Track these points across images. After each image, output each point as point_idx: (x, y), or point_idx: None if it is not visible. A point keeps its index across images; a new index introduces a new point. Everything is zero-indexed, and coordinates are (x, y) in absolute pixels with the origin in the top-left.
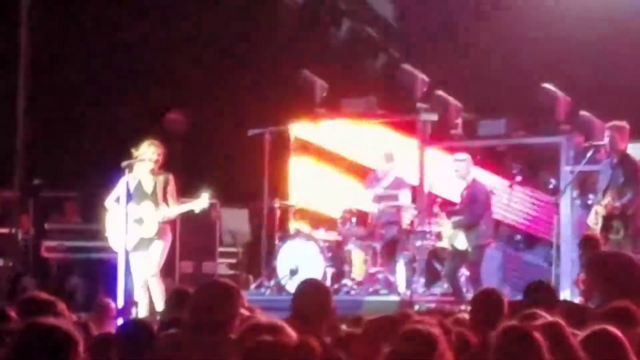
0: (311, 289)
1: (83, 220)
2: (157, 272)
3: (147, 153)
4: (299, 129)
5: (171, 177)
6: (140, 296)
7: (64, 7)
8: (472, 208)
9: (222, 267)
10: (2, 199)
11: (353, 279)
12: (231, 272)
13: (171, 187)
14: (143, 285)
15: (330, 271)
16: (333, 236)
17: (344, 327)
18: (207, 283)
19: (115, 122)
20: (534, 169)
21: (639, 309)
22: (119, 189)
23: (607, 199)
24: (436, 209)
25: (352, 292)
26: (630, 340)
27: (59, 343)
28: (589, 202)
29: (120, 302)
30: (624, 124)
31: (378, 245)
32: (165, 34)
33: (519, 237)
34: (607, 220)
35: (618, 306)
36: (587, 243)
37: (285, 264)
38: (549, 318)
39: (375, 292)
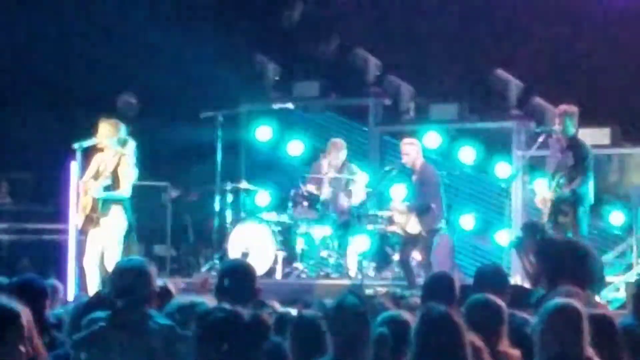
0: (235, 270)
1: (35, 202)
2: (112, 253)
3: (99, 134)
4: (251, 111)
5: (124, 158)
6: (93, 276)
7: None
8: (424, 192)
9: (173, 250)
10: None
11: (304, 262)
12: (183, 254)
13: (123, 167)
14: (98, 265)
15: (281, 254)
16: (285, 219)
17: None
18: (120, 263)
19: (68, 104)
20: (486, 153)
21: (585, 294)
22: (92, 168)
23: (555, 183)
24: (392, 194)
25: (303, 276)
26: None
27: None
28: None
29: (71, 284)
30: (574, 108)
31: (329, 229)
32: (114, 17)
33: (470, 221)
34: (557, 203)
35: (566, 290)
36: (531, 229)
37: (237, 247)
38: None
39: (326, 276)
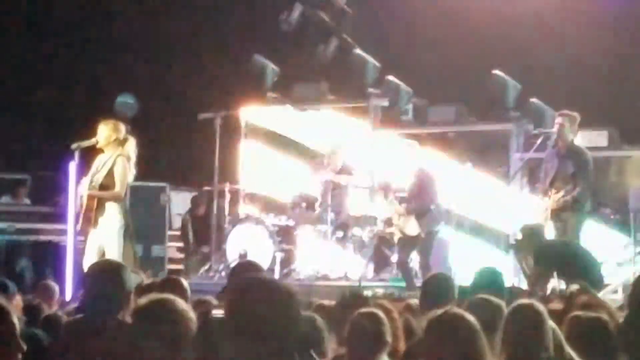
0: (244, 270)
1: (33, 203)
2: (111, 252)
3: (98, 134)
4: (249, 113)
5: (120, 159)
6: None
7: None
8: (422, 194)
9: (171, 251)
10: None
11: (302, 264)
12: (181, 255)
13: (118, 169)
14: None
15: (279, 255)
16: (283, 220)
17: None
18: (92, 265)
19: (66, 105)
20: (484, 155)
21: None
22: (92, 168)
23: (555, 190)
24: (390, 196)
25: (301, 277)
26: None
27: None
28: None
29: (69, 284)
30: (574, 113)
31: (328, 230)
32: (116, 18)
33: (468, 223)
34: (556, 210)
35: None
36: (528, 232)
37: (235, 248)
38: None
39: (325, 278)
